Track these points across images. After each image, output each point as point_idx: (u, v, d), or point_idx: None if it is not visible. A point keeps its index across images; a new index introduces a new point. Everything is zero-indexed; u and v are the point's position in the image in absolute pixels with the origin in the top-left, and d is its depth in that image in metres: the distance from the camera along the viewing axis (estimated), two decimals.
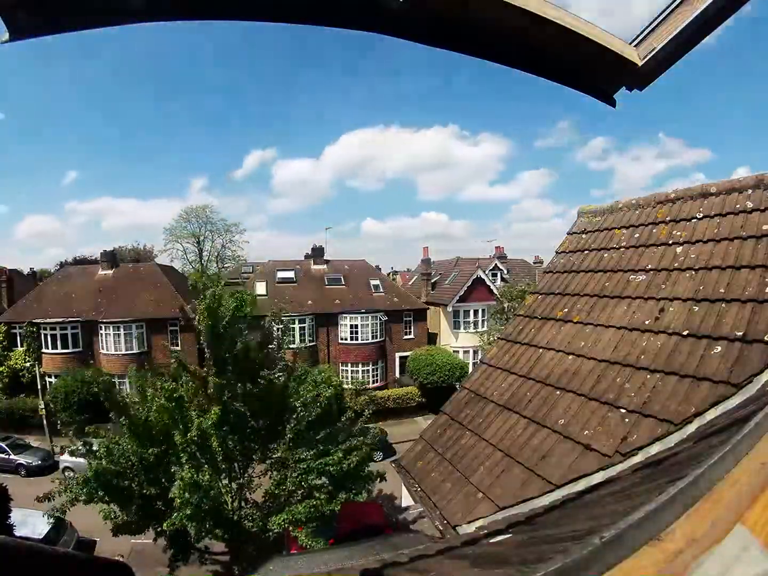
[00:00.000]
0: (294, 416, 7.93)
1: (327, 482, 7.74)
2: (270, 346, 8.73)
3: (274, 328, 9.16)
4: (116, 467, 7.09)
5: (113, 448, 7.40)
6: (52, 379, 21.14)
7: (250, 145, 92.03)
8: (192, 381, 7.95)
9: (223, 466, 7.84)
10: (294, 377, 8.91)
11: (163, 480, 7.42)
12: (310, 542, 6.99)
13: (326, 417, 8.62)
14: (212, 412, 6.95)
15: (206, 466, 7.22)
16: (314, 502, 7.29)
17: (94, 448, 7.81)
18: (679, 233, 4.19)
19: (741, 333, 2.97)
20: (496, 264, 29.71)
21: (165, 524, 6.67)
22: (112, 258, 25.92)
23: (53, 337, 21.67)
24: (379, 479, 8.59)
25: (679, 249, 4.05)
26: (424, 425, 14.05)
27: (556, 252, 5.62)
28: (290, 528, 7.31)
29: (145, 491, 7.21)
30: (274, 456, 8.05)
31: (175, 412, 7.40)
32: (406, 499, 6.09)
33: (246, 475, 8.37)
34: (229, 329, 7.83)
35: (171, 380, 8.06)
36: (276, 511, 7.61)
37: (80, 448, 7.83)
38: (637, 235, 4.63)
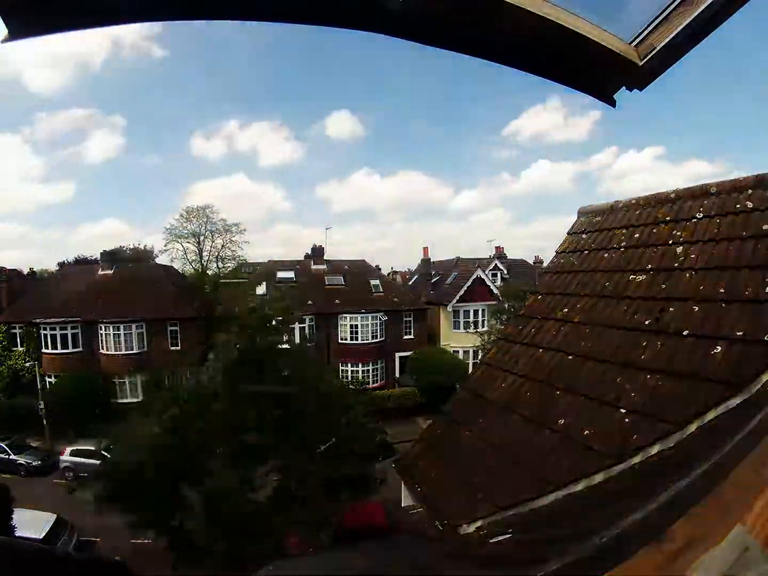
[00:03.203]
0: (299, 417, 7.96)
1: (330, 483, 7.75)
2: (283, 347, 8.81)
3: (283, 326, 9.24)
4: (132, 466, 7.09)
5: (127, 446, 7.40)
6: (52, 379, 21.14)
7: None
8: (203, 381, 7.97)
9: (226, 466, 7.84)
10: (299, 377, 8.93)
11: (175, 479, 7.43)
12: (313, 542, 7.00)
13: (331, 418, 8.64)
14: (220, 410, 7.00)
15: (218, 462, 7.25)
16: (316, 502, 7.30)
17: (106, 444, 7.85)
18: (679, 233, 4.19)
19: (741, 333, 2.97)
20: (496, 264, 29.70)
21: (191, 526, 6.66)
22: (112, 258, 25.93)
23: (53, 337, 21.66)
24: (379, 482, 8.62)
25: (679, 249, 4.05)
26: (424, 425, 14.06)
27: (556, 252, 5.63)
28: (292, 528, 7.32)
29: (159, 490, 7.21)
30: (278, 456, 8.05)
31: (191, 412, 7.42)
32: (406, 500, 6.08)
33: (248, 475, 8.37)
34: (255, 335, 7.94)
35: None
36: (278, 511, 7.61)
37: (90, 447, 7.86)
38: (637, 235, 4.63)
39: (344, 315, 23.60)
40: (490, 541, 1.53)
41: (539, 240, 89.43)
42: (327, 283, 25.56)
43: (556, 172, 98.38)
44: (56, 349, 21.68)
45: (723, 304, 3.27)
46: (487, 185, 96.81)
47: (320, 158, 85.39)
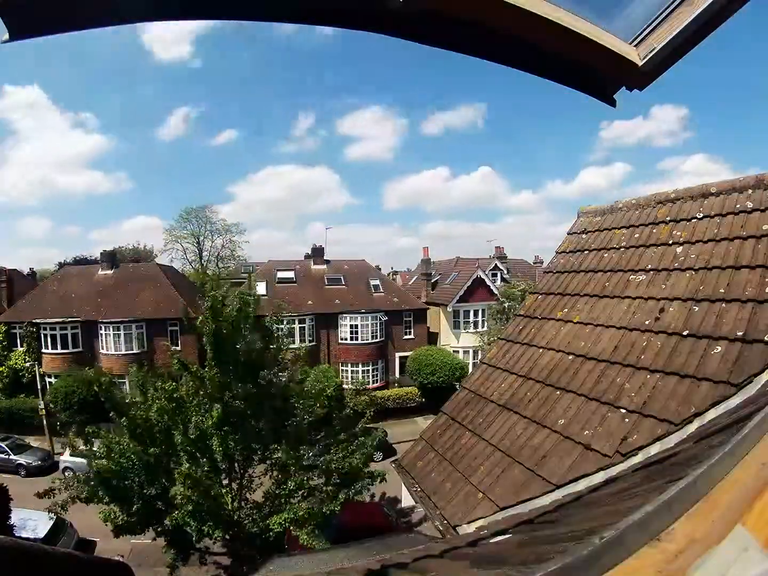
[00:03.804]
0: (296, 416, 7.95)
1: (328, 481, 7.75)
2: (272, 346, 8.72)
3: (277, 329, 9.13)
4: (116, 467, 7.09)
5: (114, 448, 7.40)
6: (52, 379, 21.13)
7: None
8: (192, 381, 7.95)
9: (223, 466, 7.84)
10: (295, 377, 8.93)
11: (164, 480, 7.42)
12: (311, 542, 7.00)
13: (327, 416, 8.63)
14: (214, 412, 6.95)
15: (205, 463, 7.23)
16: (315, 501, 7.31)
17: (95, 447, 7.81)
18: (679, 233, 4.19)
19: (741, 333, 2.97)
20: (496, 264, 29.70)
21: (168, 518, 6.70)
22: (112, 258, 25.91)
23: (53, 337, 21.65)
24: (380, 480, 8.59)
25: (679, 249, 4.05)
26: (424, 425, 14.06)
27: (556, 252, 5.63)
28: (291, 528, 7.32)
29: (145, 491, 7.21)
30: (275, 456, 8.04)
31: (174, 412, 7.41)
32: (406, 500, 6.09)
33: (246, 475, 8.38)
34: (233, 330, 7.82)
35: (171, 380, 8.06)
36: (277, 510, 7.61)
37: (82, 447, 7.80)
38: (637, 235, 4.63)
39: (344, 315, 23.60)
40: (490, 541, 1.53)
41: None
42: (327, 283, 25.57)
43: (609, 175, 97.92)
44: (56, 349, 21.67)
45: (723, 304, 3.27)
46: (551, 186, 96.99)
47: (409, 154, 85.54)
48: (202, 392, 7.76)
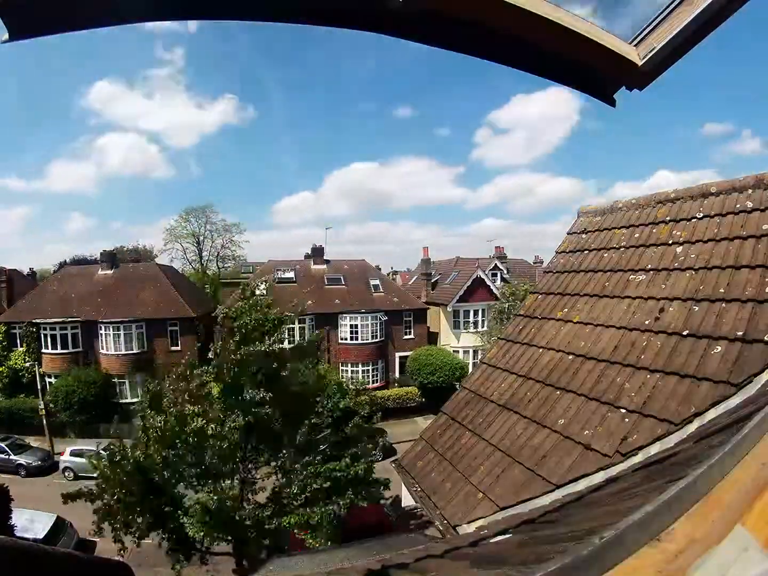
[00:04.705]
0: (306, 421, 7.96)
1: (331, 486, 7.75)
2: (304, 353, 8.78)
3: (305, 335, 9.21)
4: (123, 474, 7.07)
5: (128, 456, 7.35)
6: (52, 380, 21.13)
7: None
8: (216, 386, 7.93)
9: (227, 466, 7.85)
10: (308, 382, 8.90)
11: (172, 482, 7.42)
12: (319, 544, 7.02)
13: (335, 423, 8.64)
14: (236, 422, 6.96)
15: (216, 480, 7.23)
16: (326, 506, 7.31)
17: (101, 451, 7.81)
18: (679, 233, 4.19)
19: (741, 333, 2.97)
20: (496, 264, 29.67)
21: (190, 531, 6.70)
22: (112, 258, 25.91)
23: (53, 337, 21.65)
24: (382, 488, 8.62)
25: (679, 249, 4.05)
26: (424, 425, 14.06)
27: (556, 252, 5.62)
28: (296, 531, 7.33)
29: (152, 497, 7.20)
30: (280, 458, 8.05)
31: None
32: (406, 500, 6.09)
33: (250, 475, 8.38)
34: (250, 334, 7.85)
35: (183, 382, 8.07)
36: (279, 512, 7.61)
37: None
38: (637, 235, 4.63)
39: (344, 315, 23.60)
40: (490, 541, 1.53)
41: None
42: (327, 283, 25.56)
43: (676, 182, 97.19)
44: (56, 349, 21.66)
45: (723, 304, 3.27)
46: (621, 189, 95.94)
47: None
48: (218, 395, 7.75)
